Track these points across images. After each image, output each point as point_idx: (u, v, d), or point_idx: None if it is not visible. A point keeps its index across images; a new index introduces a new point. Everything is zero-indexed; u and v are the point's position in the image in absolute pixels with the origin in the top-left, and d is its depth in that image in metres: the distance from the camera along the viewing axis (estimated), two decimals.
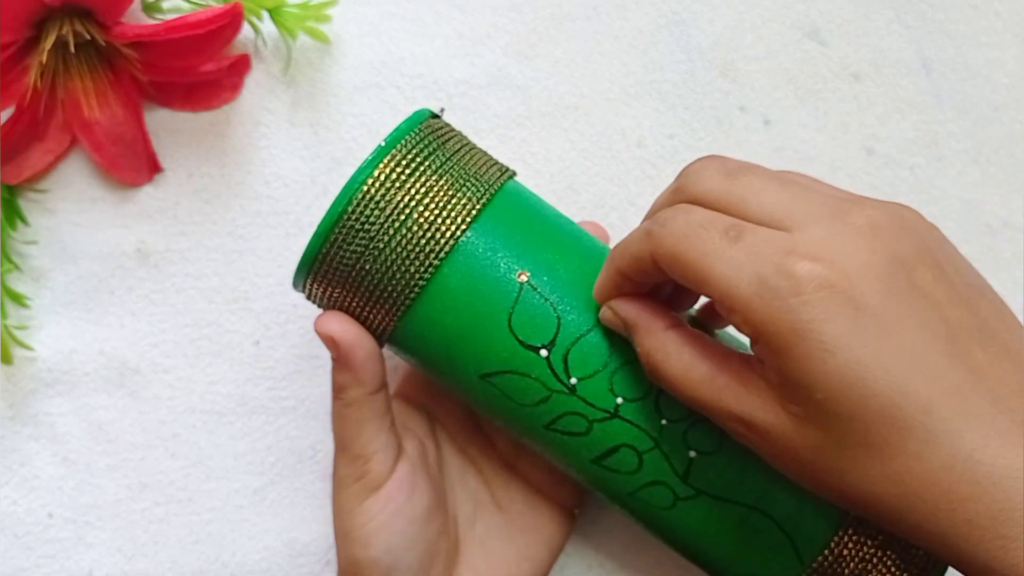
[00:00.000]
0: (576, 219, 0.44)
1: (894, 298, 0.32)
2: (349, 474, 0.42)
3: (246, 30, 0.50)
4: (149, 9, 0.50)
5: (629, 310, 0.38)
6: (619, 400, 0.39)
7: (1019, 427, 0.31)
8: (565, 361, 0.39)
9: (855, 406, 0.31)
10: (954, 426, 0.31)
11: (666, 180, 0.53)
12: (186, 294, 0.51)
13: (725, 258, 0.33)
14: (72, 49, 0.47)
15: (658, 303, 0.38)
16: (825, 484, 0.33)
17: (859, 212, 0.34)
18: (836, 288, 0.32)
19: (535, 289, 0.39)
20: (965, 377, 0.32)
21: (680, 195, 0.37)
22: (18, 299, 0.50)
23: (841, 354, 0.31)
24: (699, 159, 0.38)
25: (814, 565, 0.40)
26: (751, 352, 0.35)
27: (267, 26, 0.51)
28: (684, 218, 0.35)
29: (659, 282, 0.38)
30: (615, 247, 0.38)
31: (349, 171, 0.51)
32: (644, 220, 0.40)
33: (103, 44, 0.47)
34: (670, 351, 0.36)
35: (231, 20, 0.47)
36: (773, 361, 0.33)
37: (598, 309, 0.40)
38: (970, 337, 0.33)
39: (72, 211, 0.51)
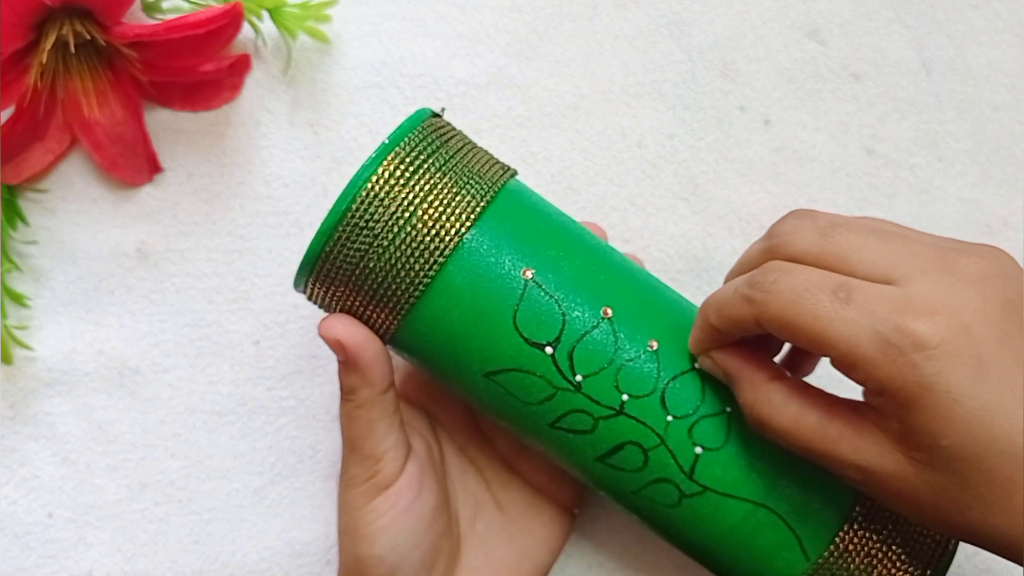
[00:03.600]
0: (576, 219, 0.44)
1: (1010, 342, 0.33)
2: (359, 473, 0.42)
3: (246, 30, 0.50)
4: (149, 9, 0.50)
5: (731, 362, 0.38)
6: (624, 397, 0.39)
7: None
8: (570, 358, 0.39)
9: (980, 448, 0.32)
10: None
11: (666, 180, 0.53)
12: (186, 294, 0.51)
13: (839, 319, 0.34)
14: (72, 49, 0.47)
15: (759, 353, 0.39)
16: (946, 521, 0.34)
17: (965, 261, 0.35)
18: (957, 340, 0.33)
19: (540, 286, 0.39)
20: None
21: (773, 255, 0.37)
22: (18, 299, 0.50)
23: (967, 402, 0.32)
24: (787, 216, 0.38)
25: (820, 560, 0.40)
26: (855, 399, 0.35)
27: (267, 26, 0.51)
28: (787, 281, 0.35)
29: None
30: (707, 304, 0.39)
31: (349, 171, 0.51)
32: (731, 275, 0.40)
33: (103, 44, 0.47)
34: (776, 402, 0.37)
35: (231, 20, 0.47)
36: (897, 412, 0.33)
37: (602, 306, 0.40)
38: None
39: (72, 211, 0.51)
